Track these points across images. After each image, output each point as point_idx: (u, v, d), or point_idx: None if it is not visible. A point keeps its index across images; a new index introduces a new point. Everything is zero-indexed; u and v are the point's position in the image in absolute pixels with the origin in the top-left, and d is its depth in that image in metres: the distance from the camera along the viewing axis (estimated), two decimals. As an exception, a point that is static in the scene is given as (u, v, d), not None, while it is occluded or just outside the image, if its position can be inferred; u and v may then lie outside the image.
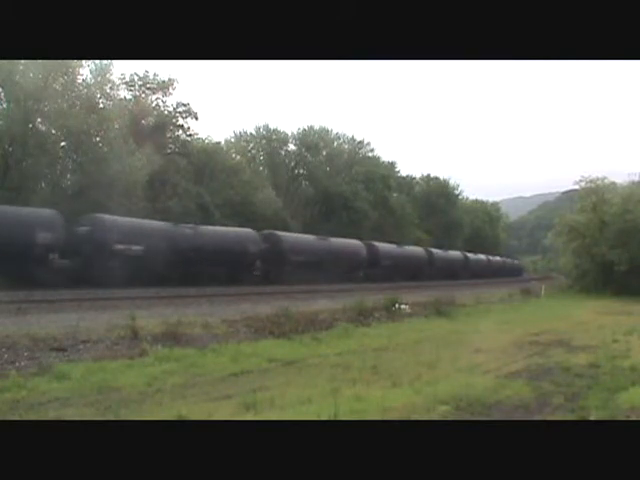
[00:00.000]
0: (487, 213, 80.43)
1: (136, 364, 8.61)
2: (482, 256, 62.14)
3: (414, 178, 67.93)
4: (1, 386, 6.83)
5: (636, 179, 36.80)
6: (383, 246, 41.83)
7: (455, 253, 54.95)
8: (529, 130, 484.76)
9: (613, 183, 36.29)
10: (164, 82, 36.36)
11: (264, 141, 50.73)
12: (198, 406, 6.23)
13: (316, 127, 54.11)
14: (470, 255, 57.28)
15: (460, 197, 73.78)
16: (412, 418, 5.86)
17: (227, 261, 27.15)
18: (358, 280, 35.29)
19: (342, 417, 5.46)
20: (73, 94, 28.72)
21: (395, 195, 58.16)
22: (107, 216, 23.19)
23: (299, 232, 38.11)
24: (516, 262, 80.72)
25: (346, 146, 57.15)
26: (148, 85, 36.17)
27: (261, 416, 5.73)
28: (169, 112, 36.99)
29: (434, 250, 49.48)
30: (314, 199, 50.25)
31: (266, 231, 31.89)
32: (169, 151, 36.99)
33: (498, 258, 69.21)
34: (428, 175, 69.64)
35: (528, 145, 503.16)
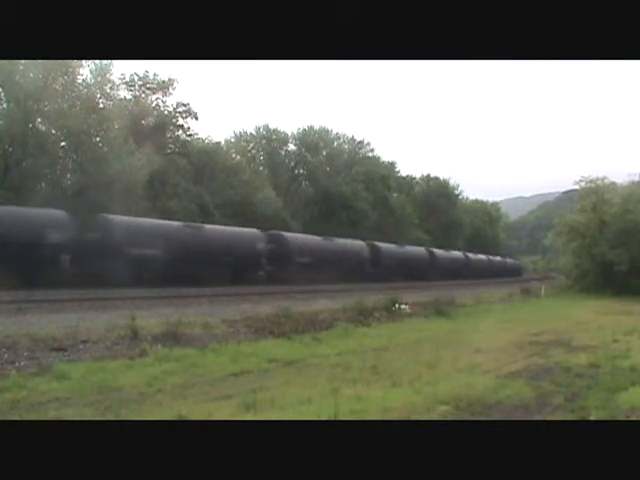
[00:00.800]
0: (487, 213, 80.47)
1: (136, 364, 8.61)
2: (458, 253, 55.21)
3: (414, 178, 68.00)
4: (1, 386, 6.83)
5: (636, 179, 36.83)
6: (300, 238, 32.95)
7: (417, 249, 46.76)
8: (529, 130, 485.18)
9: (613, 183, 36.29)
10: (164, 82, 36.39)
11: (264, 141, 50.80)
12: (198, 406, 6.23)
13: (316, 127, 54.31)
14: (439, 252, 49.81)
15: (460, 197, 73.83)
16: (412, 418, 5.86)
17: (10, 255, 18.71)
18: (259, 282, 27.21)
19: (342, 417, 5.46)
20: (73, 94, 28.72)
21: (395, 195, 58.22)
22: None
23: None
24: (509, 261, 73.98)
25: (346, 146, 57.22)
26: (148, 85, 36.19)
27: (261, 416, 5.73)
28: (169, 112, 37.01)
29: (383, 245, 40.82)
30: (314, 199, 50.28)
31: (98, 215, 23.50)
32: (169, 151, 37.01)
33: (482, 256, 61.74)
34: (428, 175, 69.77)
35: (528, 145, 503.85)
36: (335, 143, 56.17)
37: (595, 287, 32.18)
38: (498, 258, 67.99)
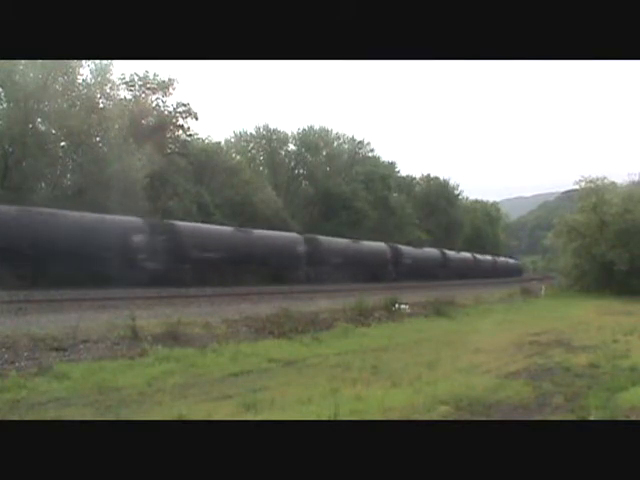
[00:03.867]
0: (487, 213, 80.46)
1: (136, 364, 8.61)
2: (433, 251, 47.83)
3: (414, 178, 67.97)
4: (1, 386, 6.82)
5: (636, 179, 36.90)
6: (199, 229, 26.85)
7: (376, 245, 39.51)
8: (529, 130, 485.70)
9: (613, 183, 36.29)
10: (164, 82, 36.37)
11: (264, 141, 50.80)
12: (198, 406, 6.23)
13: (316, 127, 54.28)
14: (406, 249, 42.74)
15: (460, 197, 73.81)
16: (412, 418, 5.85)
17: None
18: (134, 282, 20.40)
19: (342, 417, 5.46)
20: (73, 94, 28.74)
21: (395, 195, 58.19)
22: None
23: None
24: (501, 260, 67.03)
25: (346, 146, 57.23)
26: (148, 85, 36.17)
27: (261, 416, 5.72)
28: (169, 112, 36.99)
29: (326, 239, 34.21)
30: (314, 199, 50.28)
31: None
32: (169, 151, 36.99)
33: (467, 255, 54.83)
34: (428, 175, 69.70)
35: (528, 145, 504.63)
36: (335, 143, 56.16)
37: (595, 287, 32.16)
38: (486, 257, 60.81)
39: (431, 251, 48.08)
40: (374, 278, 34.27)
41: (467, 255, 55.50)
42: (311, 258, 31.36)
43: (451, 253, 51.56)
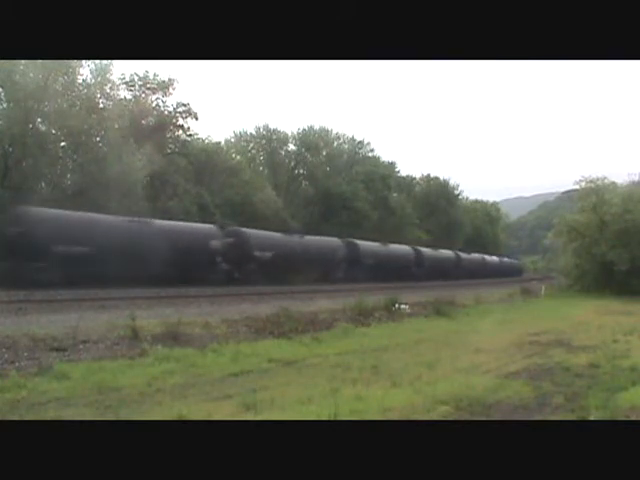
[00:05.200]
0: (487, 213, 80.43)
1: (136, 364, 8.61)
2: (333, 240, 35.86)
3: (414, 178, 67.95)
4: (1, 386, 6.82)
5: (636, 179, 36.93)
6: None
7: (200, 227, 27.60)
8: (529, 130, 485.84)
9: (613, 183, 36.28)
10: (164, 82, 36.32)
11: (264, 141, 50.81)
12: (198, 406, 6.23)
13: (316, 127, 54.28)
14: (259, 235, 29.95)
15: (460, 197, 73.75)
16: (412, 418, 5.85)
17: None
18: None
19: (342, 417, 5.46)
20: (73, 94, 28.72)
21: (395, 195, 58.15)
22: None
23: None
24: (472, 256, 57.37)
25: (346, 146, 57.25)
26: (148, 85, 36.13)
27: (261, 416, 5.72)
28: (169, 112, 36.94)
29: (98, 218, 22.77)
30: (314, 199, 50.25)
31: None
32: (169, 151, 36.97)
33: (406, 248, 43.41)
34: (428, 175, 69.66)
35: (528, 145, 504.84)
36: (335, 143, 56.19)
37: (595, 287, 32.16)
38: (448, 252, 50.73)
39: (329, 240, 36.06)
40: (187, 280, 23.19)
41: (406, 249, 43.94)
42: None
43: (370, 246, 38.64)
